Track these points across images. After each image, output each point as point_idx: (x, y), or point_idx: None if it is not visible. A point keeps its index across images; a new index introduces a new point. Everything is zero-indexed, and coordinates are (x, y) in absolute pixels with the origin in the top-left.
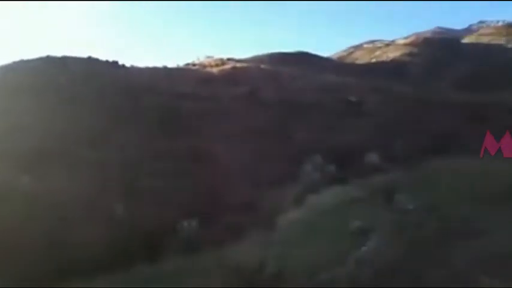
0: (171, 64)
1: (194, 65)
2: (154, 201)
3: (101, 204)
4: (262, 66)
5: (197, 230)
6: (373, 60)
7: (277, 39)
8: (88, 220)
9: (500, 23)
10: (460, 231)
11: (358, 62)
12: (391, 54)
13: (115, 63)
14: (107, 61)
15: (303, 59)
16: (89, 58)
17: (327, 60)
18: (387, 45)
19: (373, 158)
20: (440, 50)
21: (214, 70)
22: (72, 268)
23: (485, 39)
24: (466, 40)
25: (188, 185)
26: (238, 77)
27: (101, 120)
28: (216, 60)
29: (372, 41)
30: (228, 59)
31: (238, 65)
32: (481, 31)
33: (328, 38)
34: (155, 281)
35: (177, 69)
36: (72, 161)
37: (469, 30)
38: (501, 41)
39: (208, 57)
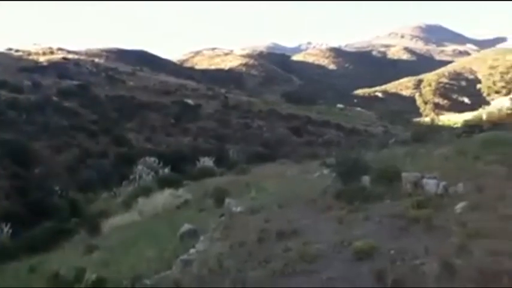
0: None
1: (17, 50)
2: None
3: None
4: (97, 60)
5: (11, 236)
6: (213, 67)
7: (116, 34)
8: None
9: (324, 46)
10: (281, 231)
11: (198, 67)
12: (230, 63)
13: None
14: None
15: (141, 57)
16: None
17: (166, 61)
18: (226, 54)
19: (207, 161)
20: (273, 64)
21: (42, 59)
22: None
23: (311, 59)
24: (295, 58)
25: (2, 185)
26: (68, 69)
27: None
28: (44, 48)
29: (212, 48)
30: (59, 49)
31: (69, 56)
32: (309, 51)
33: (169, 40)
34: None
35: None
36: None
37: (298, 49)
38: (324, 62)
39: (35, 44)
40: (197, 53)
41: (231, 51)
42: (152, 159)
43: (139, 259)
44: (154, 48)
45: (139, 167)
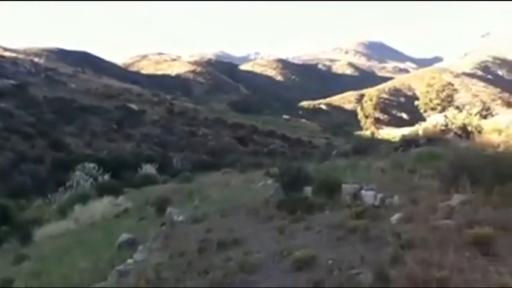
0: None
1: None
2: None
3: None
4: (36, 59)
5: None
6: (159, 72)
7: (57, 33)
8: None
9: (272, 57)
10: (222, 241)
11: (144, 72)
12: (177, 69)
13: None
14: None
15: (83, 59)
16: None
17: (110, 64)
18: (173, 59)
19: (149, 169)
20: (221, 73)
21: None
22: None
23: (259, 69)
24: (243, 67)
25: None
26: (5, 68)
27: None
28: None
29: (159, 53)
30: None
31: (6, 54)
32: (257, 61)
33: (114, 42)
34: None
35: None
36: None
37: (246, 59)
38: (272, 73)
39: None
40: (143, 57)
41: (179, 57)
42: (91, 165)
43: (73, 269)
44: (98, 49)
45: (78, 173)
